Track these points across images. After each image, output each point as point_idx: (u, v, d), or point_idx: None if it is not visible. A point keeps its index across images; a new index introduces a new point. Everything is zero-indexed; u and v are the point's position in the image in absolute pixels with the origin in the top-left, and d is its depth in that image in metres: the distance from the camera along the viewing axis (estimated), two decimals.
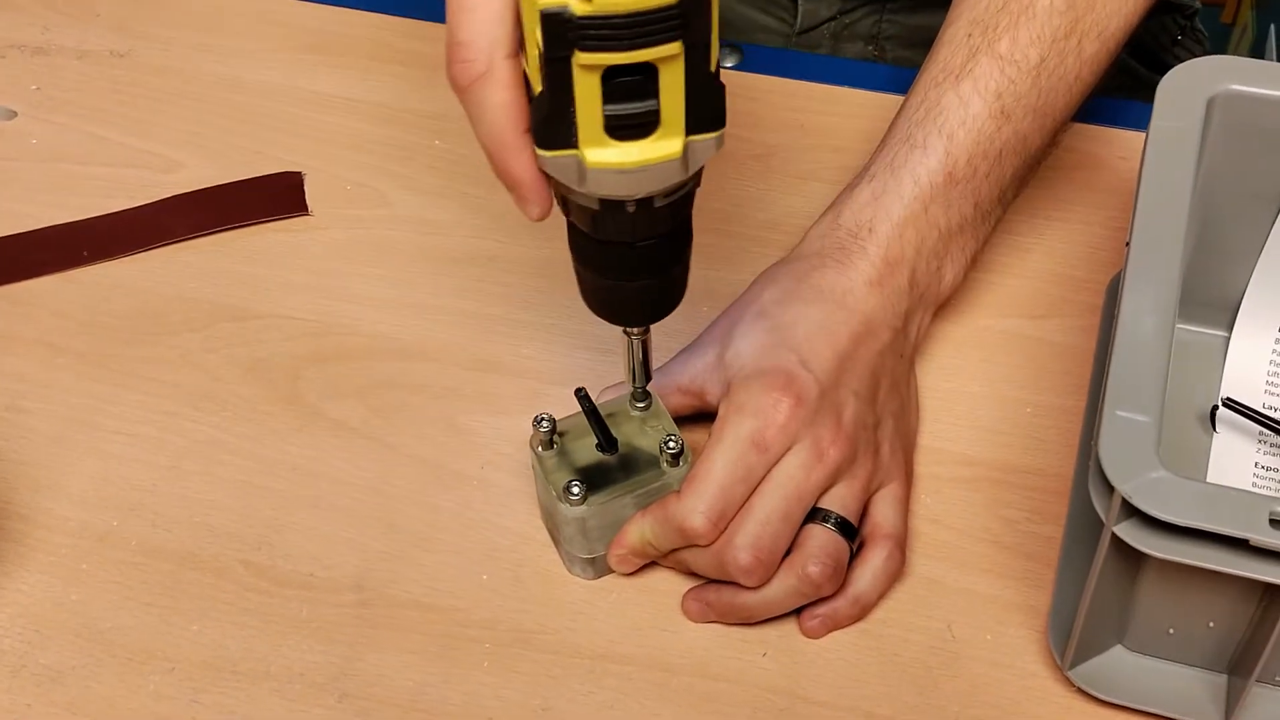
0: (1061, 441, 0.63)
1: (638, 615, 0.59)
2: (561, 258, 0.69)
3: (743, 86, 0.77)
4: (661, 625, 0.58)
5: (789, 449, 0.56)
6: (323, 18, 0.80)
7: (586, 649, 0.58)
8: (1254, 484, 0.60)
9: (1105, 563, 0.49)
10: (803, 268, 0.60)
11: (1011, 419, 0.64)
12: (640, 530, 0.57)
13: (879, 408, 0.59)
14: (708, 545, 0.56)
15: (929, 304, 0.62)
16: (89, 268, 0.71)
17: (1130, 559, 0.49)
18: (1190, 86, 0.57)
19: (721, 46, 0.77)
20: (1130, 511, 0.47)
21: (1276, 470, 0.60)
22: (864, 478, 0.57)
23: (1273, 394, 0.62)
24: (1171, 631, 0.53)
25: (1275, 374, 0.63)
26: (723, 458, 0.55)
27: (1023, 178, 0.65)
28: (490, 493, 0.62)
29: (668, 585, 0.59)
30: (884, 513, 0.58)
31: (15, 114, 0.76)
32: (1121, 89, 0.87)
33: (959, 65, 0.62)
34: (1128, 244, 0.54)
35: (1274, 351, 0.63)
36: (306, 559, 0.60)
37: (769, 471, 0.55)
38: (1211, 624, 0.52)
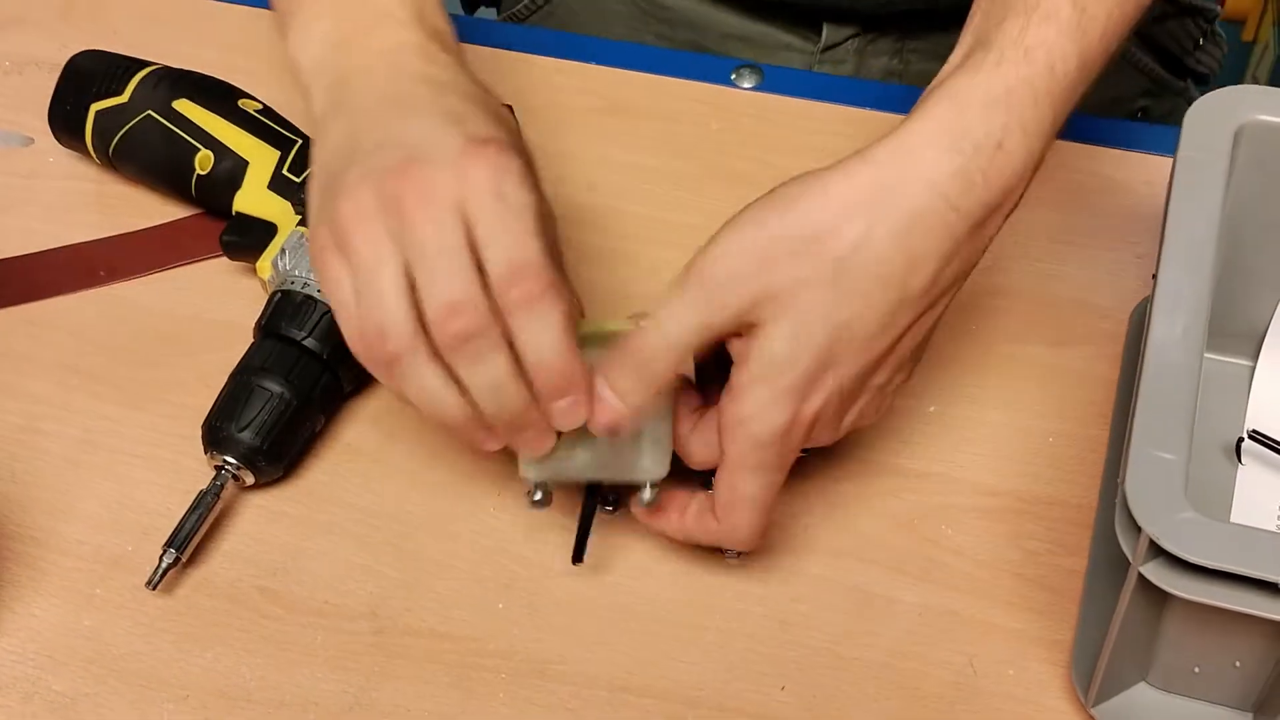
0: (1084, 471, 0.62)
1: (656, 646, 0.58)
2: (586, 279, 0.70)
3: (763, 109, 0.77)
4: (679, 657, 0.58)
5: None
6: None
7: (604, 680, 0.57)
8: (1279, 517, 0.59)
9: (1130, 602, 0.49)
10: (913, 213, 0.52)
11: (1033, 448, 0.63)
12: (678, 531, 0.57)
13: (893, 375, 0.55)
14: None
15: (994, 192, 0.54)
16: (106, 288, 0.70)
17: (1156, 597, 0.48)
18: (1218, 116, 0.56)
19: (741, 67, 0.78)
20: (1157, 551, 0.46)
21: None
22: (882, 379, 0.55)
23: None
24: (1197, 670, 0.52)
25: None
26: (754, 486, 0.54)
27: (1087, 70, 0.56)
28: (507, 519, 0.61)
29: (688, 618, 0.59)
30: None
31: (32, 140, 0.76)
32: (1145, 94, 0.87)
33: None
34: (1155, 276, 0.54)
35: None
36: (321, 586, 0.60)
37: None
38: (1238, 664, 0.51)
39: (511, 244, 0.51)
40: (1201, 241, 0.53)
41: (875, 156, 0.53)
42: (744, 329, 0.53)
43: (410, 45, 0.57)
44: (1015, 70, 0.53)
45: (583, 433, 0.54)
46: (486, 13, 0.95)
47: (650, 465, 0.56)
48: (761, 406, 0.53)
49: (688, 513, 0.57)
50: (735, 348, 0.54)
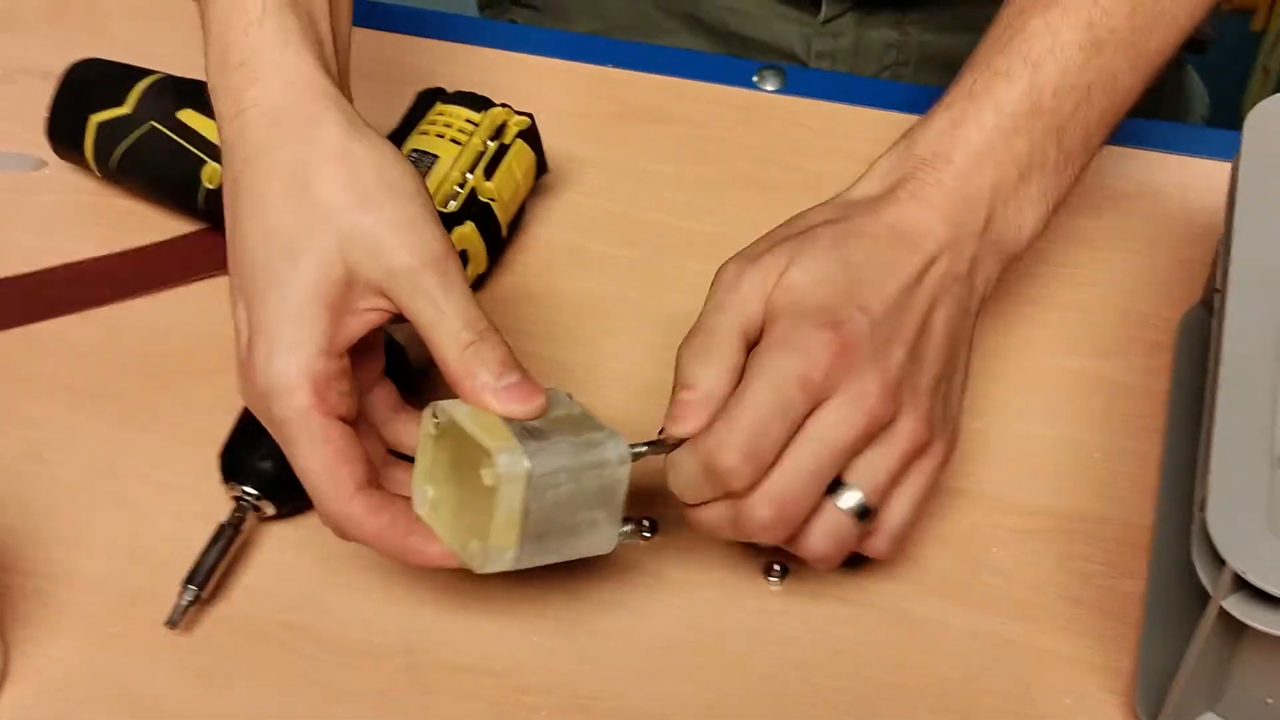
0: (1134, 489, 0.60)
1: (703, 679, 0.56)
2: (593, 296, 0.67)
3: (786, 112, 0.75)
4: (728, 689, 0.56)
5: (830, 398, 0.51)
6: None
7: (651, 715, 0.55)
8: None
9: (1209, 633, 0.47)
10: (873, 201, 0.55)
11: (1081, 465, 0.61)
12: (670, 464, 0.53)
13: (930, 364, 0.54)
14: (739, 487, 0.51)
15: (1002, 253, 0.56)
16: (111, 307, 0.67)
17: (1235, 628, 0.47)
18: (1277, 123, 0.54)
19: (763, 69, 0.76)
20: (1240, 584, 0.44)
21: None
22: (903, 445, 0.53)
23: None
24: (1270, 701, 0.50)
25: None
26: (762, 392, 0.50)
27: (1110, 123, 0.59)
28: None
29: (734, 648, 0.57)
30: (900, 502, 0.54)
31: (45, 164, 0.73)
32: None
33: None
34: (1218, 289, 0.52)
35: None
36: (350, 620, 0.57)
37: (805, 420, 0.51)
38: None
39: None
40: (1271, 250, 0.51)
41: (846, 192, 0.56)
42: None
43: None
44: (957, 113, 0.56)
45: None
46: None
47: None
48: (792, 329, 0.52)
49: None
50: None
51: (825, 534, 0.53)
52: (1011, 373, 0.64)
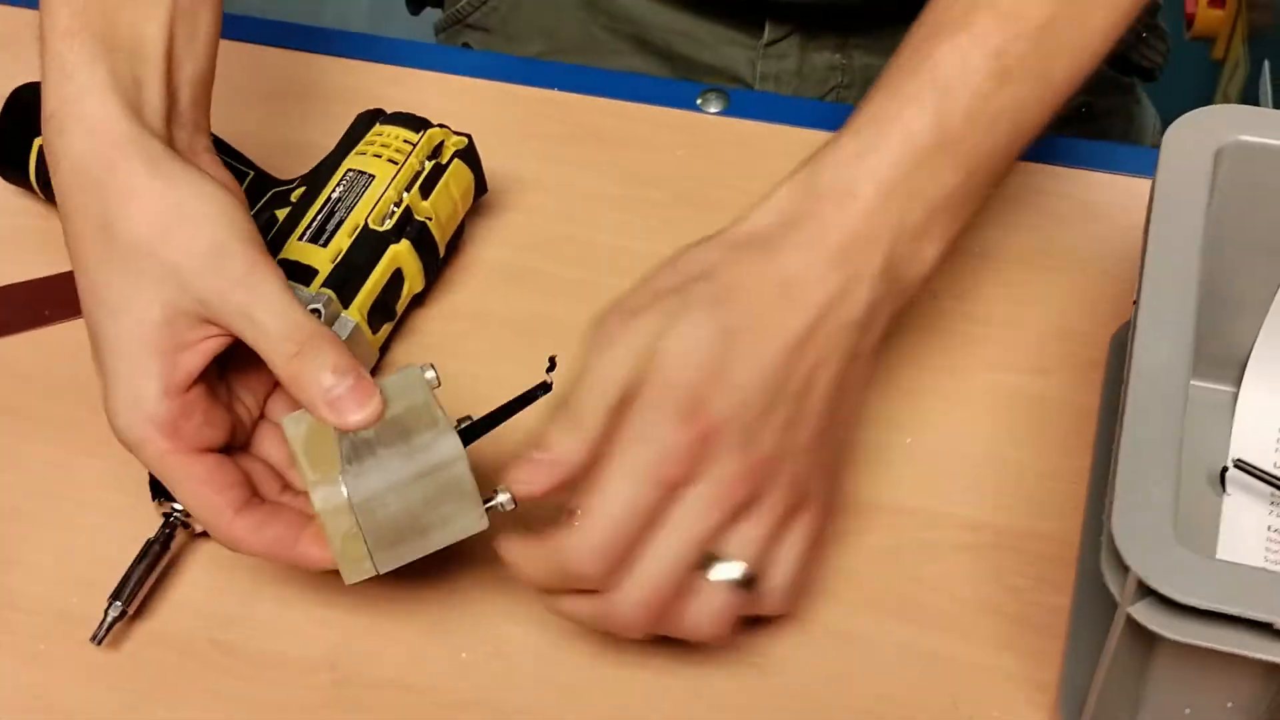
0: (1067, 504, 0.60)
1: (629, 693, 0.56)
2: (533, 316, 0.68)
3: (730, 133, 0.75)
4: (654, 704, 0.56)
5: (691, 485, 0.50)
6: (287, 63, 0.78)
7: None
8: (1267, 547, 0.58)
9: (1119, 642, 0.47)
10: (765, 243, 0.53)
11: (1013, 480, 0.61)
12: (520, 560, 0.52)
13: (808, 425, 0.52)
14: (599, 589, 0.51)
15: (899, 293, 0.55)
16: (52, 327, 0.68)
17: (1145, 638, 0.46)
18: (1196, 137, 0.55)
19: (706, 91, 0.76)
20: (1146, 592, 0.44)
21: None
22: (774, 515, 0.52)
23: None
24: (1188, 712, 0.50)
25: None
26: (619, 491, 0.49)
27: (1015, 154, 0.58)
28: (469, 564, 0.59)
29: (661, 663, 0.56)
30: (783, 563, 0.53)
31: None
32: (1088, 89, 0.85)
33: (957, 16, 0.55)
34: (1135, 302, 0.52)
35: None
36: (277, 636, 0.57)
37: (667, 507, 0.50)
38: (1230, 704, 0.49)
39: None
40: (1183, 267, 0.51)
41: (744, 217, 0.55)
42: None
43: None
44: (864, 139, 0.55)
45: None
46: (432, 13, 0.93)
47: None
48: (652, 409, 0.50)
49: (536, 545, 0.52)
50: None
51: (704, 613, 0.52)
52: (947, 389, 0.64)
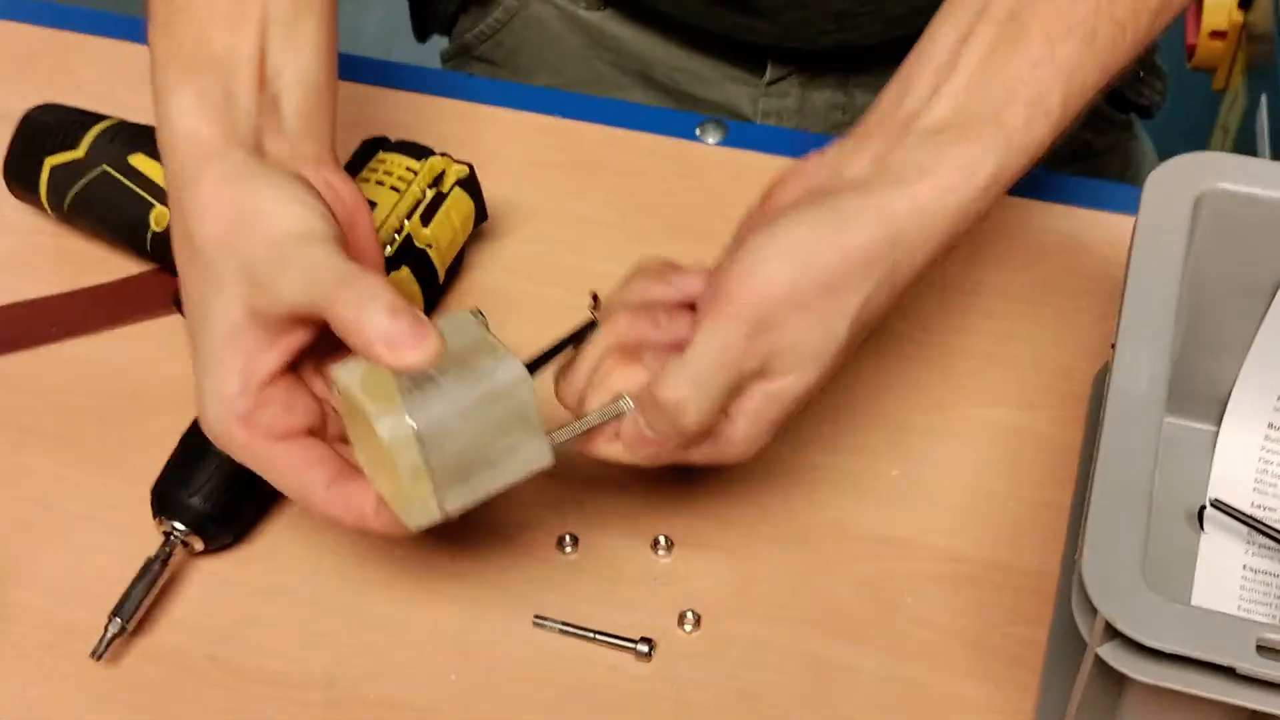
0: (1046, 538, 0.61)
1: (614, 716, 0.57)
2: (532, 343, 0.69)
3: (728, 164, 0.76)
4: None
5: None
6: None
7: None
8: (1242, 586, 0.59)
9: (1089, 681, 0.48)
10: (904, 180, 0.54)
11: (996, 513, 0.63)
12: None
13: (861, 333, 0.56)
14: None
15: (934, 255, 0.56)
16: (61, 345, 0.69)
17: (1115, 677, 0.48)
18: (1177, 183, 0.56)
19: (706, 122, 0.78)
20: (1114, 633, 0.46)
21: (1266, 573, 0.59)
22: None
23: (1262, 492, 0.61)
24: None
25: (1264, 471, 0.61)
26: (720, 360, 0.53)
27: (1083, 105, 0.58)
28: (462, 585, 0.61)
29: (647, 687, 0.58)
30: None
31: None
32: (1085, 127, 0.86)
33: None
34: (1113, 346, 0.53)
35: (1263, 449, 0.62)
36: (273, 654, 0.59)
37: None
38: None
39: None
40: (1160, 313, 0.52)
41: (892, 211, 0.54)
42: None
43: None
44: (938, 186, 0.55)
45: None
46: (438, 43, 0.95)
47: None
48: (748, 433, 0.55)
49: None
50: None
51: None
52: (933, 422, 0.66)
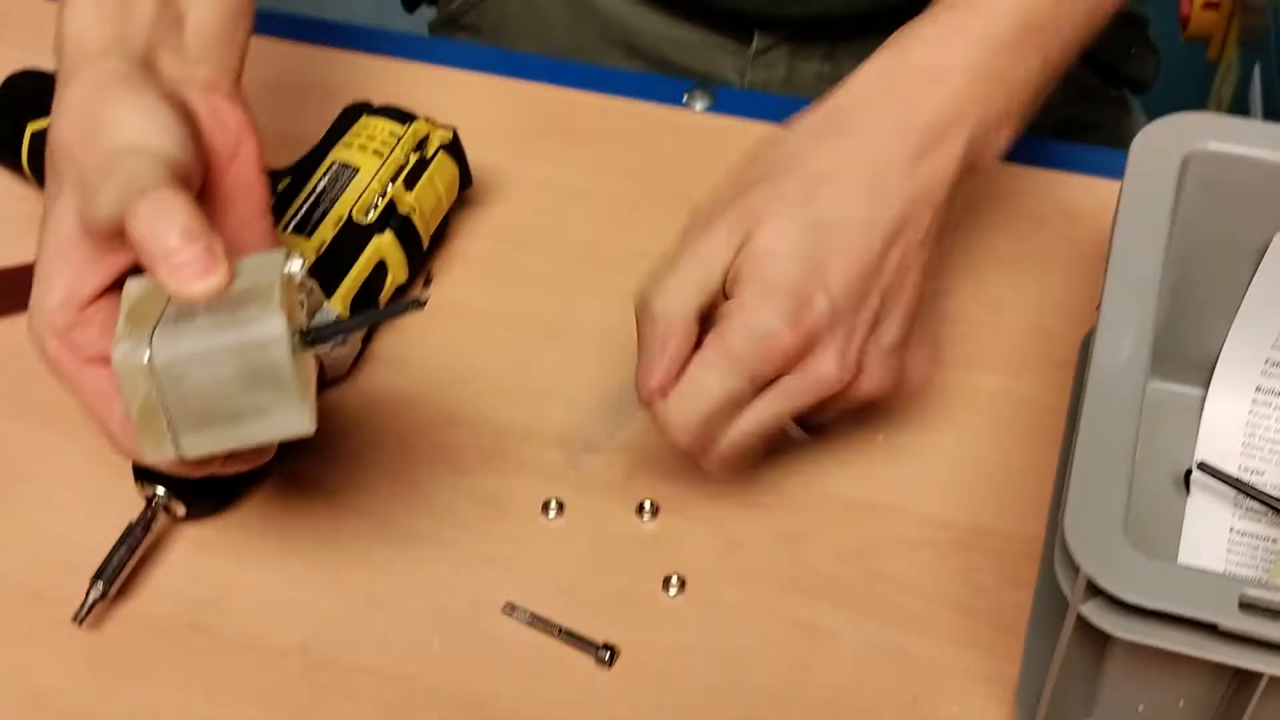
0: (1033, 503, 0.61)
1: (596, 685, 0.57)
2: (517, 310, 0.68)
3: (715, 131, 0.76)
4: (620, 695, 0.57)
5: (789, 375, 0.55)
6: (277, 54, 0.79)
7: (542, 718, 0.56)
8: (1229, 549, 0.58)
9: (1071, 640, 0.48)
10: (850, 126, 0.55)
11: (983, 479, 0.62)
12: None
13: (898, 315, 0.56)
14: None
15: (977, 174, 0.57)
16: None
17: (1097, 636, 0.47)
18: (1164, 144, 0.55)
19: (693, 87, 0.77)
20: (1096, 591, 0.45)
21: (1252, 535, 0.59)
22: (859, 397, 0.57)
23: (1249, 455, 0.61)
24: (1141, 709, 0.51)
25: (1251, 434, 0.61)
26: (719, 380, 0.54)
27: (1084, 43, 0.59)
28: (443, 552, 0.60)
29: (628, 653, 0.57)
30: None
31: None
32: (1078, 100, 0.86)
33: None
34: (1098, 308, 0.53)
35: (1250, 411, 0.61)
36: (252, 620, 0.59)
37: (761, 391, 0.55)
38: (1182, 703, 0.50)
39: None
40: (1145, 274, 0.52)
41: (830, 94, 0.57)
42: (731, 284, 0.54)
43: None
44: (954, 17, 0.56)
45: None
46: (426, 13, 0.94)
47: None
48: (753, 298, 0.53)
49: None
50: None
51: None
52: (922, 389, 0.65)
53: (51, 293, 0.52)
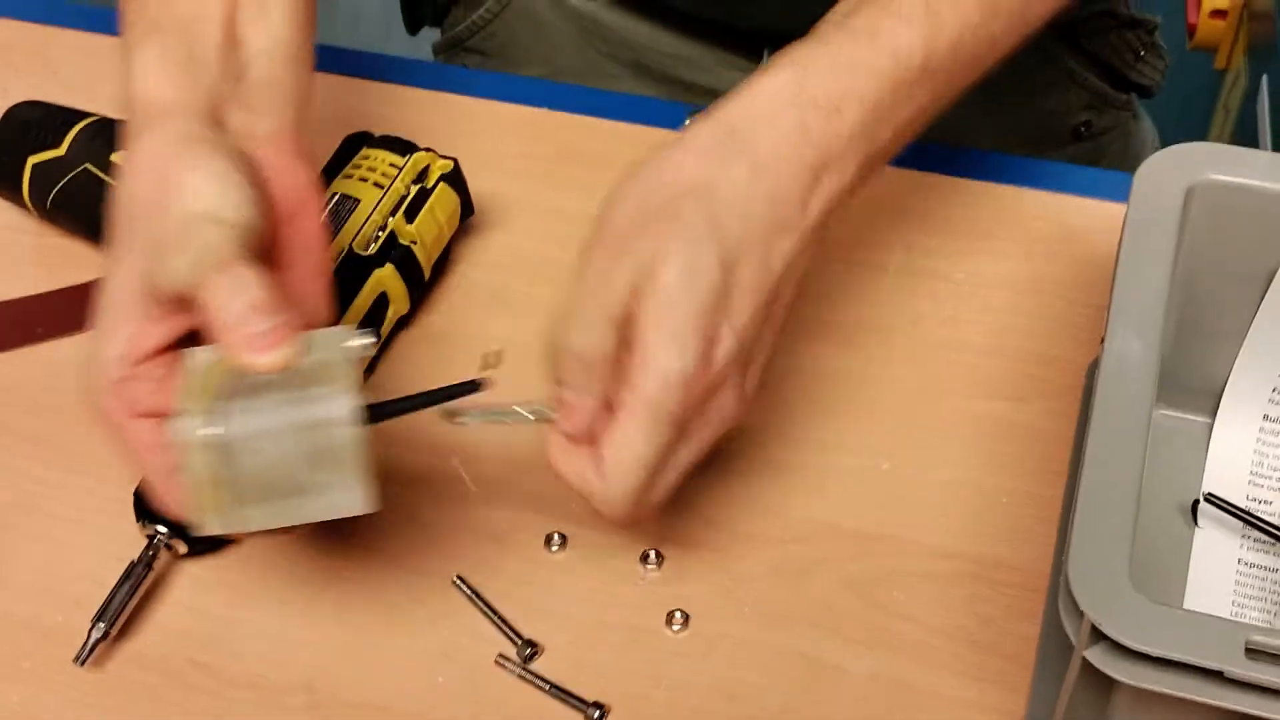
0: (1039, 533, 0.61)
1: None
2: (531, 333, 0.68)
3: None
4: None
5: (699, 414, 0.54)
6: None
7: None
8: (1237, 582, 0.58)
9: (1077, 683, 0.47)
10: (749, 146, 0.54)
11: (988, 509, 0.62)
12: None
13: (775, 329, 0.56)
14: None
15: (844, 205, 0.57)
16: (44, 345, 0.69)
17: (1103, 680, 0.47)
18: (1168, 175, 0.55)
19: (695, 111, 0.76)
20: (1102, 635, 0.45)
21: (1261, 568, 0.58)
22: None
23: (1257, 485, 0.60)
24: None
25: (1259, 464, 0.61)
26: (649, 442, 0.53)
27: (976, 82, 0.59)
28: (447, 589, 0.60)
29: (633, 689, 0.57)
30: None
31: None
32: (1087, 107, 0.85)
33: None
34: (1102, 340, 0.52)
35: (1258, 441, 0.61)
36: (255, 658, 0.58)
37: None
38: None
39: None
40: (1150, 306, 0.51)
41: (722, 111, 0.55)
42: (636, 318, 0.53)
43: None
44: (857, 49, 0.55)
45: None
46: (430, 34, 0.94)
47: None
48: (664, 344, 0.52)
49: (576, 456, 0.54)
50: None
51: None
52: (926, 417, 0.65)
53: (110, 345, 0.52)
